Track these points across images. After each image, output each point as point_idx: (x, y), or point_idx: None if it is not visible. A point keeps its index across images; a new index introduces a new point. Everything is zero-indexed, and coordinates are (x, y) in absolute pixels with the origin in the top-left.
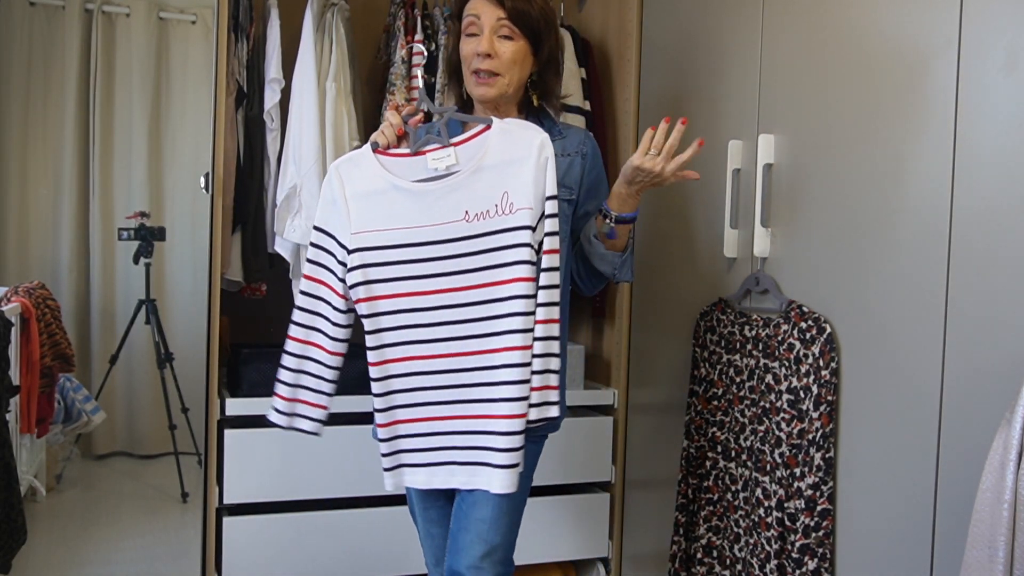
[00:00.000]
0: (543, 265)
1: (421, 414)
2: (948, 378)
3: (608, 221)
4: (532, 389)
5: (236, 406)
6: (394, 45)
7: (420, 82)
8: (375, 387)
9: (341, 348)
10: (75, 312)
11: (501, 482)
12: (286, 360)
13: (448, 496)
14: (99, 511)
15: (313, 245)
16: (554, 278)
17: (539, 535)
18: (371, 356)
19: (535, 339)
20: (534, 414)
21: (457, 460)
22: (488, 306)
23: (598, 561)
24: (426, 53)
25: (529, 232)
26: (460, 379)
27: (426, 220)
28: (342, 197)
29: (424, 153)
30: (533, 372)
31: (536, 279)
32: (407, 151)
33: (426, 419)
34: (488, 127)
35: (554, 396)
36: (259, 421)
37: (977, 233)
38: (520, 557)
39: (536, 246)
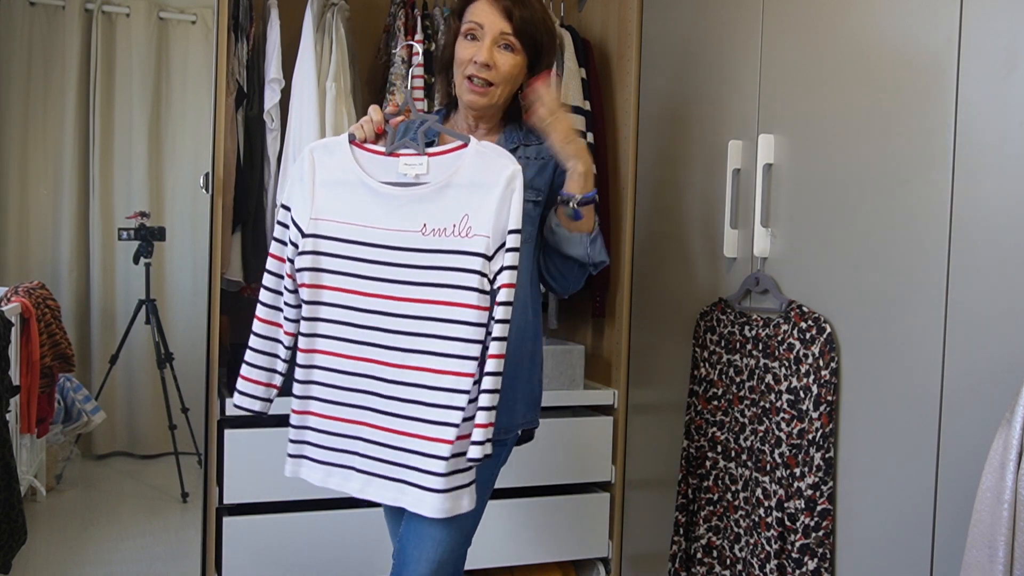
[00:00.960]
0: (499, 298)
1: (334, 412)
2: (948, 378)
3: (571, 205)
4: (476, 425)
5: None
6: (394, 45)
7: (410, 82)
8: (298, 372)
9: (295, 328)
10: (75, 312)
11: (432, 507)
12: (253, 341)
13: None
14: (99, 511)
15: (279, 223)
16: (508, 312)
17: (539, 535)
18: (302, 342)
19: (485, 373)
20: (476, 452)
21: (365, 469)
22: (426, 323)
23: (598, 561)
24: (419, 51)
25: (483, 260)
26: (380, 388)
27: (384, 223)
28: (310, 180)
29: (398, 156)
30: (480, 408)
31: (488, 309)
32: (382, 149)
33: (338, 419)
34: (465, 145)
35: (491, 433)
36: (259, 421)
37: (977, 233)
38: (520, 557)
39: (490, 276)
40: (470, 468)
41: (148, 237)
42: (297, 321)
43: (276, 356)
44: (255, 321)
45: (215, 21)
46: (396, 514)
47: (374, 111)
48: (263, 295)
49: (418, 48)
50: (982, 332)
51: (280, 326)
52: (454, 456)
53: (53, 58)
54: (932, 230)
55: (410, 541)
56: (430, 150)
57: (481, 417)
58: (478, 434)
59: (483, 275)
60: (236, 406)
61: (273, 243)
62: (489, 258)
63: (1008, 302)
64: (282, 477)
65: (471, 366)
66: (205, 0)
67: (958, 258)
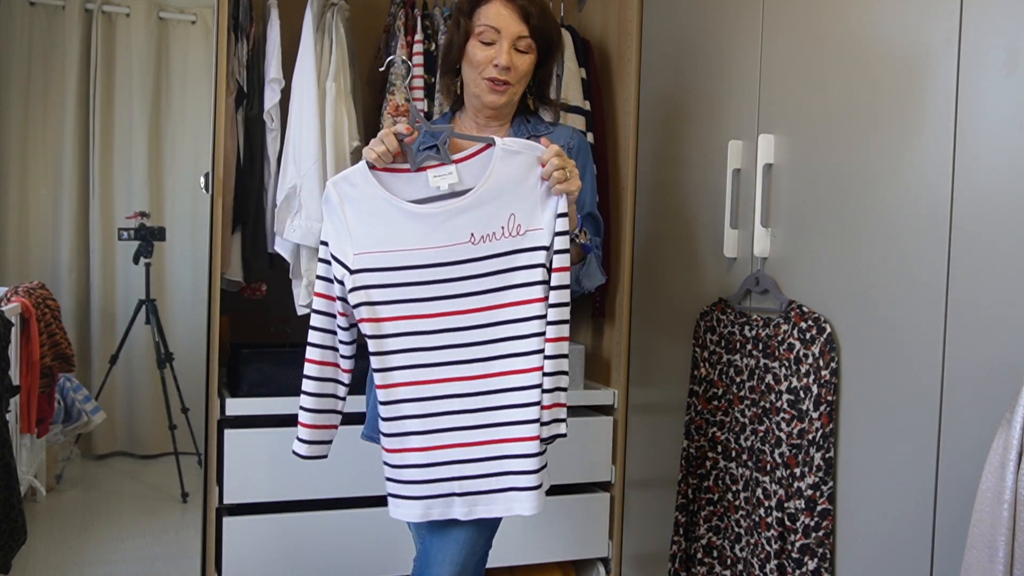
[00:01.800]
0: (553, 283)
1: (431, 442)
2: (948, 378)
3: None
4: (543, 408)
5: (236, 406)
6: (394, 45)
7: (409, 82)
8: (383, 410)
9: (351, 364)
10: (75, 312)
11: (531, 504)
12: (308, 385)
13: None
14: (99, 511)
15: (321, 260)
16: (564, 296)
17: (539, 535)
18: (378, 378)
19: (546, 357)
20: (544, 432)
21: (466, 490)
22: (497, 328)
23: (598, 561)
24: (410, 64)
25: (543, 253)
26: (467, 404)
27: (429, 242)
28: (341, 217)
29: (425, 170)
30: (544, 391)
31: (547, 299)
32: (406, 166)
33: (435, 447)
34: (491, 145)
35: (563, 414)
36: (259, 421)
37: (977, 233)
38: (520, 557)
39: (548, 265)
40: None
41: (148, 237)
42: (354, 358)
43: (336, 396)
44: (308, 365)
45: (215, 21)
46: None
47: (388, 138)
48: (313, 336)
49: (418, 48)
50: (982, 332)
51: (337, 365)
52: (541, 453)
53: (53, 58)
54: (932, 230)
55: (433, 543)
56: (456, 157)
57: (548, 399)
58: (548, 415)
59: (544, 267)
60: (302, 456)
61: (318, 282)
62: (548, 248)
63: (1008, 302)
64: (282, 477)
65: (541, 358)
66: (205, 0)
67: (958, 258)
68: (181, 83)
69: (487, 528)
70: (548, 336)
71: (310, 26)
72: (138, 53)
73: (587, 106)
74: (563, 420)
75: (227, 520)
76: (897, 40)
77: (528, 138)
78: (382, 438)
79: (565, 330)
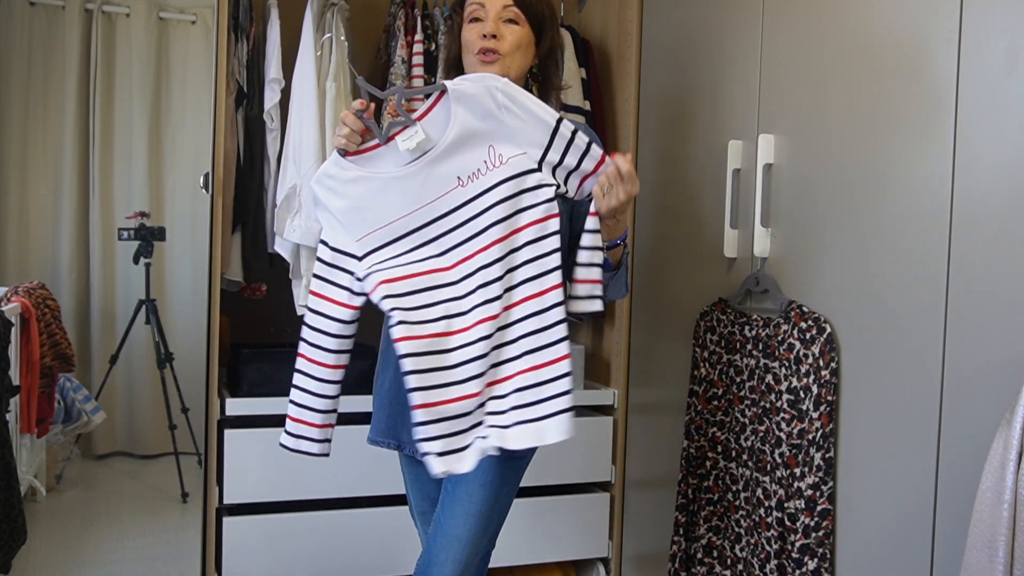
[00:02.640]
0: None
1: (457, 393)
2: (948, 378)
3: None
4: (575, 281)
5: (236, 406)
6: (394, 45)
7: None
8: (408, 363)
9: (344, 360)
10: (75, 312)
11: (570, 427)
12: (298, 380)
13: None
14: (99, 511)
15: (319, 260)
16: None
17: (539, 535)
18: (399, 331)
19: (582, 248)
20: (581, 306)
21: (495, 424)
22: (514, 255)
23: (598, 561)
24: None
25: (535, 175)
26: (497, 339)
27: (421, 201)
28: (331, 211)
29: (393, 139)
30: (579, 264)
31: (558, 215)
32: (376, 142)
33: (462, 397)
34: (444, 92)
35: (598, 290)
36: (259, 421)
37: (977, 233)
38: (520, 557)
39: (554, 183)
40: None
41: (148, 237)
42: (345, 353)
43: (326, 396)
44: (299, 360)
45: (215, 21)
46: (428, 517)
47: (347, 119)
48: (306, 334)
49: (418, 48)
50: (982, 332)
51: (326, 365)
52: (568, 375)
53: (53, 58)
54: (932, 230)
55: (436, 542)
56: (416, 115)
57: (582, 273)
58: (580, 289)
59: (545, 185)
60: (291, 449)
61: (315, 281)
62: (538, 168)
63: (1008, 302)
64: (282, 477)
65: (560, 276)
66: (205, 0)
67: (958, 258)
68: (181, 83)
69: (488, 529)
70: (590, 227)
71: (310, 26)
72: (138, 53)
73: (587, 106)
74: (599, 297)
75: (227, 520)
76: (897, 40)
77: None
78: (411, 395)
79: (597, 222)
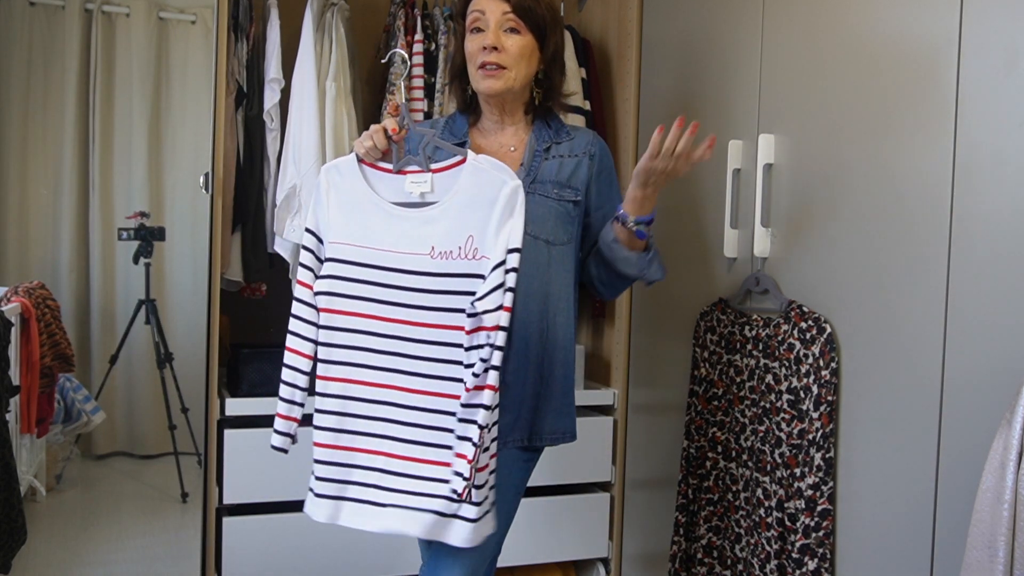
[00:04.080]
0: (500, 322)
1: (352, 443)
2: (948, 378)
3: (626, 226)
4: (459, 456)
5: (236, 406)
6: (394, 45)
7: (402, 95)
8: (319, 401)
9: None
10: (75, 312)
11: (459, 536)
12: (287, 375)
13: None
14: (99, 511)
15: (304, 248)
16: (505, 339)
17: (539, 535)
18: (320, 369)
19: (479, 405)
20: (460, 485)
21: (381, 501)
22: (435, 348)
23: (598, 561)
24: (406, 56)
25: (487, 283)
26: (396, 415)
27: (397, 246)
28: (326, 203)
29: (405, 173)
30: (460, 437)
31: (473, 332)
32: (390, 167)
33: (355, 449)
34: (463, 160)
35: (463, 467)
36: (259, 421)
37: (977, 233)
38: (520, 557)
39: (485, 294)
40: (490, 494)
41: (148, 237)
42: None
43: (296, 387)
44: (287, 354)
45: (215, 21)
46: None
47: (376, 134)
48: (294, 325)
49: (418, 48)
50: (982, 332)
51: (301, 354)
52: (480, 487)
53: (53, 58)
54: (932, 230)
55: (444, 547)
56: (434, 166)
57: (466, 448)
58: (462, 466)
59: (486, 296)
60: (277, 448)
61: (301, 271)
62: (485, 278)
63: (1008, 302)
64: (282, 477)
65: (481, 381)
66: (205, 0)
67: (958, 258)
68: (181, 83)
69: (499, 530)
70: (486, 383)
71: (310, 26)
72: (138, 53)
73: (587, 106)
74: (458, 475)
75: (227, 520)
76: (897, 40)
77: (549, 146)
78: (314, 431)
79: (499, 378)
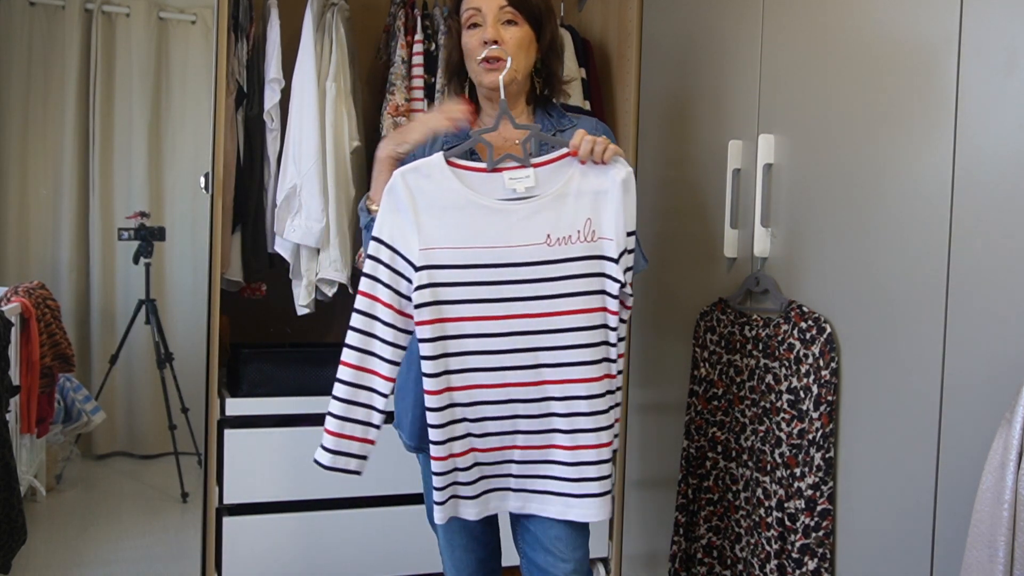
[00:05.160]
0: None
1: (482, 444)
2: (948, 378)
3: None
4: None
5: (236, 406)
6: (394, 45)
7: (403, 96)
8: (434, 417)
9: (395, 373)
10: (75, 312)
11: (599, 510)
12: (339, 390)
13: (481, 522)
14: (99, 511)
15: (371, 258)
16: (625, 314)
17: None
18: (430, 383)
19: (618, 372)
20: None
21: (521, 488)
22: (566, 335)
23: (598, 561)
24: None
25: (613, 264)
26: (529, 410)
27: (506, 240)
28: (410, 209)
29: (501, 171)
30: (613, 406)
31: (618, 312)
32: (482, 166)
33: (486, 449)
34: (574, 152)
35: (615, 428)
36: (259, 421)
37: (977, 233)
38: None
39: (620, 279)
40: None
41: (148, 237)
42: (398, 365)
43: (371, 407)
44: (341, 368)
45: (215, 21)
46: (463, 528)
47: (457, 113)
48: (352, 338)
49: (418, 48)
50: (982, 332)
51: (375, 373)
52: (604, 462)
53: (53, 58)
54: (932, 230)
55: (541, 547)
56: (535, 160)
57: (616, 413)
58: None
59: (614, 279)
60: (326, 466)
61: (364, 280)
62: (616, 260)
63: (1008, 302)
64: (282, 477)
65: (614, 368)
66: (205, 0)
67: (958, 258)
68: (181, 83)
69: (576, 524)
70: (619, 352)
71: (310, 26)
72: (138, 53)
73: (587, 106)
74: (614, 437)
75: (227, 520)
76: (897, 40)
77: (553, 133)
78: (431, 446)
79: (622, 348)
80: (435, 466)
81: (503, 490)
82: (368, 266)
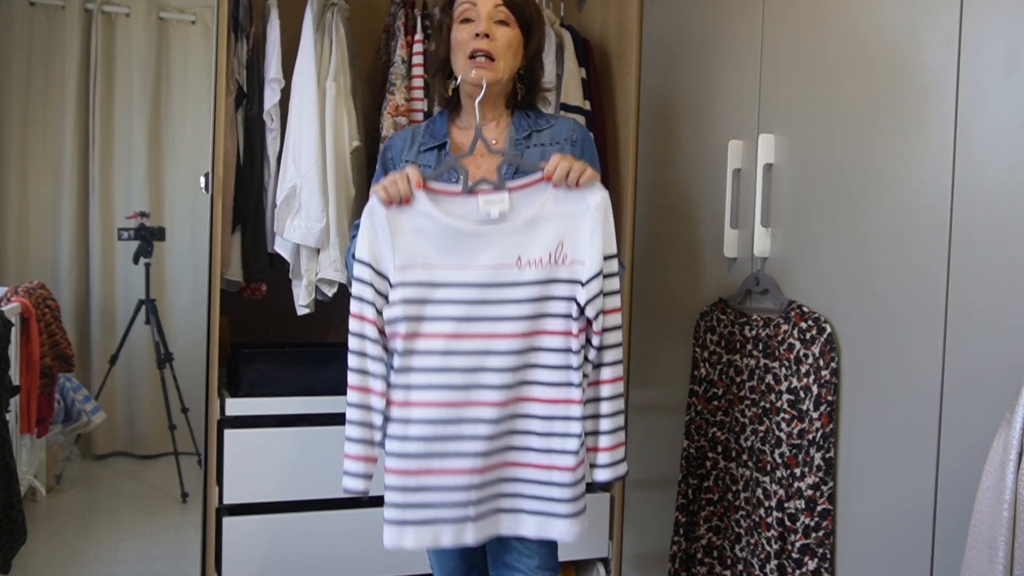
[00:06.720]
0: (608, 324)
1: (440, 465)
2: (948, 378)
3: None
4: (601, 450)
5: (236, 406)
6: (394, 45)
7: (402, 96)
8: (394, 428)
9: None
10: (75, 312)
11: (561, 531)
12: (352, 413)
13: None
14: (99, 511)
15: (356, 279)
16: (618, 337)
17: None
18: (396, 395)
19: (604, 398)
20: (607, 475)
21: (477, 515)
22: (530, 355)
23: (598, 561)
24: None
25: (580, 288)
26: (488, 430)
27: (477, 262)
28: (386, 231)
29: (476, 194)
30: (602, 432)
31: (578, 334)
32: (456, 189)
33: (444, 471)
34: (549, 176)
35: (623, 453)
36: (259, 421)
37: (977, 232)
38: None
39: (580, 303)
40: (585, 493)
41: (148, 237)
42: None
43: (373, 426)
44: (349, 392)
45: (215, 21)
46: (451, 552)
47: (402, 182)
48: (352, 361)
49: (418, 48)
50: (982, 332)
51: (371, 391)
52: (576, 484)
53: (53, 58)
54: (932, 230)
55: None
56: (510, 184)
57: (606, 441)
58: (604, 458)
59: (578, 303)
60: (351, 491)
61: (353, 303)
62: (583, 284)
63: (1008, 302)
64: (282, 477)
65: (579, 392)
66: (205, 0)
67: (958, 258)
68: (181, 83)
69: (550, 550)
70: (607, 376)
71: (310, 26)
72: (138, 53)
73: (587, 106)
74: (624, 460)
75: (227, 520)
76: (897, 40)
77: (529, 134)
78: (387, 458)
79: (620, 371)
80: (389, 480)
81: (460, 522)
82: (355, 289)
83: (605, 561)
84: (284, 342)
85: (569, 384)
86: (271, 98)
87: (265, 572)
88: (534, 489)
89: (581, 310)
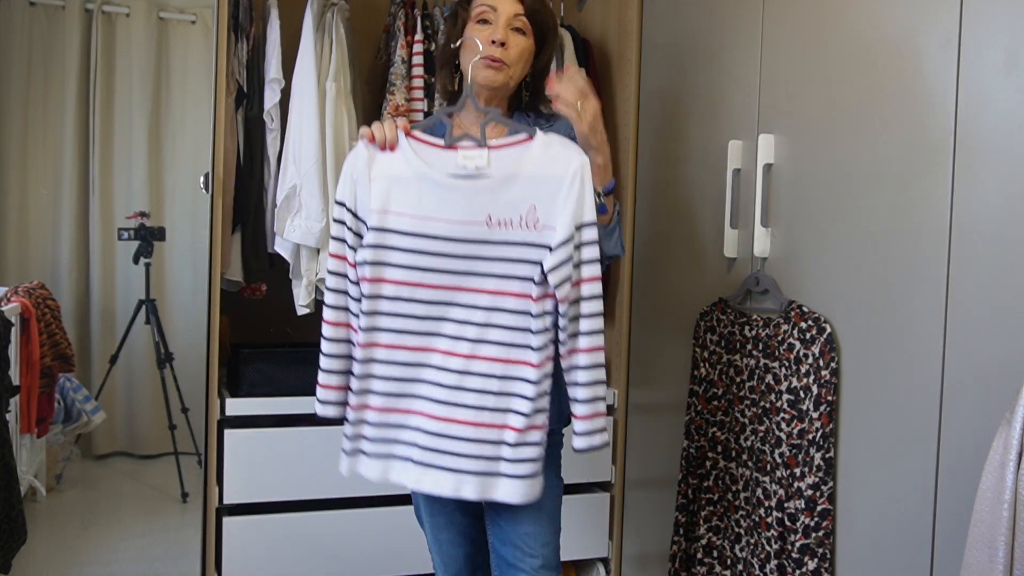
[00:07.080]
0: (585, 293)
1: (394, 404)
2: (948, 378)
3: (597, 198)
4: (577, 418)
5: (236, 406)
6: (394, 45)
7: (403, 96)
8: (356, 368)
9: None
10: (75, 312)
11: (507, 492)
12: (326, 346)
13: (456, 503)
14: (99, 511)
15: (335, 220)
16: (598, 306)
17: None
18: (360, 336)
19: (579, 367)
20: (581, 443)
21: (423, 460)
22: (491, 314)
23: (598, 561)
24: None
25: (547, 252)
26: (444, 379)
27: (448, 215)
28: (365, 175)
29: (456, 148)
30: (577, 401)
31: (545, 298)
32: (440, 142)
33: (397, 410)
34: (531, 138)
35: (602, 423)
36: (259, 421)
37: (977, 232)
38: None
39: (547, 268)
40: (539, 458)
41: (148, 237)
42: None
43: (349, 357)
44: (324, 326)
45: (215, 21)
46: (440, 505)
47: (390, 130)
48: (328, 297)
49: (418, 48)
50: (982, 332)
51: (349, 326)
52: (521, 444)
53: (53, 58)
54: (932, 230)
55: (507, 541)
56: (492, 143)
57: (581, 409)
58: (579, 426)
59: (542, 268)
60: (320, 416)
61: (332, 243)
62: (551, 250)
63: (1008, 302)
64: (282, 477)
65: (538, 356)
66: (205, 0)
67: (958, 258)
68: (181, 83)
69: (547, 516)
70: (583, 346)
71: (310, 26)
72: (138, 53)
73: None
74: (602, 430)
75: (227, 520)
76: (897, 40)
77: None
78: (350, 395)
79: (600, 340)
80: (349, 414)
81: (405, 460)
82: (335, 229)
83: (605, 561)
84: (284, 342)
85: (526, 347)
86: (271, 98)
87: (265, 572)
88: (480, 449)
89: (544, 276)
